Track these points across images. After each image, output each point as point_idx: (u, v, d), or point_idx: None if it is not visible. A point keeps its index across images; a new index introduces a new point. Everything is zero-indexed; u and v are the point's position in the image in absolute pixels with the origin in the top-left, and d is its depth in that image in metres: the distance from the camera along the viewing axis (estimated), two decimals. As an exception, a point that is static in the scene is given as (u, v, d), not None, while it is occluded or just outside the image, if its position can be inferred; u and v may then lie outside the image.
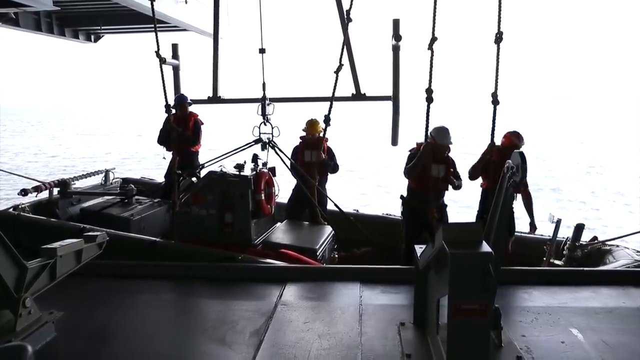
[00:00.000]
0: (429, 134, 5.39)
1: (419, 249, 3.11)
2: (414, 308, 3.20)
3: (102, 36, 11.43)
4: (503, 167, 5.51)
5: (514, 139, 5.81)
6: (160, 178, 8.72)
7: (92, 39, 11.28)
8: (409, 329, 3.13)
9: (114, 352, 2.96)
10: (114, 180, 8.11)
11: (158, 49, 5.84)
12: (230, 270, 4.36)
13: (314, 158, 6.64)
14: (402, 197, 6.13)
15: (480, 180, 5.97)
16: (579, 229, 6.00)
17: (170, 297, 3.91)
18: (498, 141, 5.65)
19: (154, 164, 26.28)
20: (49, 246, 2.95)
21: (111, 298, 3.72)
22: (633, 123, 55.88)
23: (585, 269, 4.63)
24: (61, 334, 2.99)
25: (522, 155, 2.74)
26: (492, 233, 2.83)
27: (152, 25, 5.65)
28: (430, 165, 5.47)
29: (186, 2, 9.90)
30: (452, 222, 2.74)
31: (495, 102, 4.97)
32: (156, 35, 5.78)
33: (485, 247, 2.41)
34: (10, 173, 11.29)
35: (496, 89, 4.91)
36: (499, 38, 4.58)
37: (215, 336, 3.08)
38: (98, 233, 3.34)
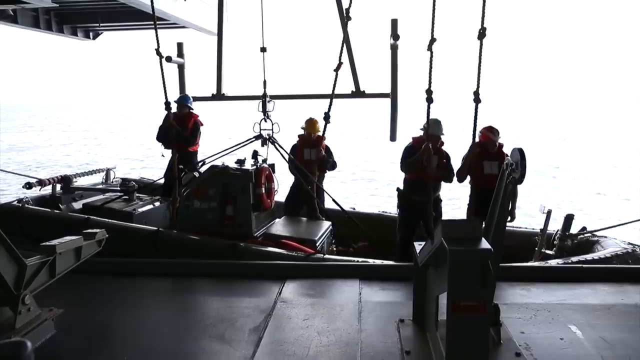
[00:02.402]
0: (423, 125, 5.54)
1: (418, 245, 3.11)
2: (413, 305, 3.20)
3: (101, 33, 11.40)
4: (482, 162, 5.63)
5: (489, 135, 5.83)
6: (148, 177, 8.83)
7: (91, 36, 11.25)
8: (408, 326, 3.13)
9: (113, 348, 2.97)
10: (113, 180, 8.22)
11: (158, 47, 5.88)
12: (229, 267, 4.36)
13: (313, 156, 6.70)
14: (398, 189, 6.19)
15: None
16: (569, 219, 6.10)
17: (169, 294, 3.91)
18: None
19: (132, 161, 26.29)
20: (48, 243, 2.95)
21: (110, 295, 3.72)
22: (619, 120, 56.30)
23: (584, 265, 4.64)
24: (61, 331, 2.99)
25: (521, 151, 2.73)
26: (492, 230, 2.83)
27: (151, 22, 5.65)
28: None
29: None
30: (452, 219, 2.74)
31: (476, 100, 4.94)
32: (156, 32, 5.79)
33: (485, 244, 2.41)
34: (8, 172, 11.33)
35: (478, 86, 4.87)
36: (482, 34, 4.54)
37: (214, 333, 3.08)
38: (97, 230, 3.33)
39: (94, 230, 3.32)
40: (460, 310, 2.34)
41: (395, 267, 4.30)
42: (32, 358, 1.69)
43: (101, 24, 10.37)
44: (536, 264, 5.33)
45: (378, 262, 5.03)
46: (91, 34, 11.18)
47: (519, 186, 5.83)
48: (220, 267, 4.34)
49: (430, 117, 5.51)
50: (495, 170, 5.60)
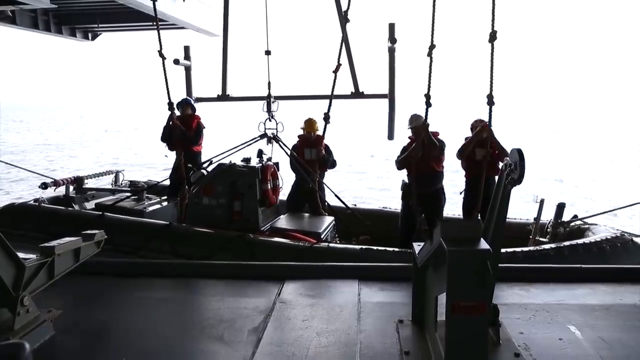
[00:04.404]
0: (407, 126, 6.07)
1: (417, 246, 3.12)
2: (412, 305, 3.20)
3: (100, 34, 11.40)
4: (475, 149, 5.97)
5: (474, 125, 6.23)
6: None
7: (90, 37, 11.26)
8: (408, 326, 3.13)
9: (112, 350, 2.96)
10: (122, 182, 8.49)
11: (160, 48, 6.00)
12: (228, 268, 4.37)
13: (313, 156, 6.85)
14: (403, 181, 6.40)
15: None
16: (561, 207, 6.28)
17: (168, 295, 3.90)
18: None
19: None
20: (46, 244, 2.94)
21: (109, 296, 3.72)
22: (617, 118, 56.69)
23: (583, 266, 4.64)
24: (59, 332, 2.98)
25: (520, 152, 2.73)
26: (490, 230, 2.83)
27: (150, 23, 5.76)
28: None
29: (184, 0, 9.88)
30: (451, 219, 2.74)
31: (490, 102, 4.94)
32: (158, 34, 5.89)
33: (484, 244, 2.41)
34: (25, 169, 11.47)
35: (491, 89, 4.84)
36: (492, 37, 4.51)
37: (213, 334, 3.08)
38: (97, 231, 3.33)
39: (93, 232, 3.32)
40: (460, 310, 2.34)
41: (395, 267, 4.30)
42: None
43: (100, 25, 10.38)
44: (534, 250, 5.50)
45: (381, 249, 5.32)
46: (90, 34, 11.19)
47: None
48: (218, 268, 4.34)
49: (413, 113, 5.93)
50: (487, 155, 6.01)
